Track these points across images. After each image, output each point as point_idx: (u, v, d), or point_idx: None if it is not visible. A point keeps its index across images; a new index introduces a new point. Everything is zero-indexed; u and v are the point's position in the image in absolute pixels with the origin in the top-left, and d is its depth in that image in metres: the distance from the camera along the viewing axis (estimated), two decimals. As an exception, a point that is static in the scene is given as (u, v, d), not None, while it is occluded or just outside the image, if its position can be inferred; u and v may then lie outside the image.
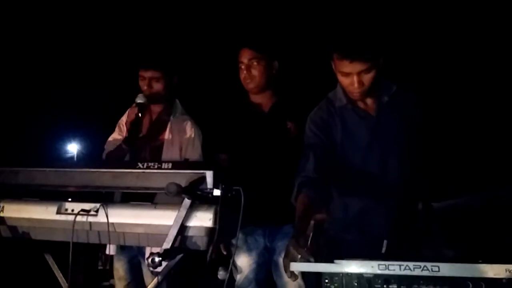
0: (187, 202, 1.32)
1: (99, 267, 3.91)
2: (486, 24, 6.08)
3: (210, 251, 1.34)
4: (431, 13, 6.53)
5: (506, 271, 1.01)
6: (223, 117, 2.26)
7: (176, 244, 1.32)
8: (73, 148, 17.63)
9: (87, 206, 1.44)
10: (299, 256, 1.18)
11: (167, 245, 1.29)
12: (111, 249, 2.22)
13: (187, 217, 1.33)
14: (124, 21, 8.45)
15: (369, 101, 1.71)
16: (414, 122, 1.70)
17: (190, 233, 1.35)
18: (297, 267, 1.16)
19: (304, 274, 1.84)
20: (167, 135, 2.26)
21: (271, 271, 2.10)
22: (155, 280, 1.45)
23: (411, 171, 1.69)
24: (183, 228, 1.34)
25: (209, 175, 1.33)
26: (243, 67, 2.12)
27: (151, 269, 1.30)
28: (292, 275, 1.21)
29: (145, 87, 2.24)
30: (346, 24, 1.64)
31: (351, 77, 1.57)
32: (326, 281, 1.12)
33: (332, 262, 1.12)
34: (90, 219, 1.43)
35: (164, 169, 1.38)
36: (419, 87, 1.81)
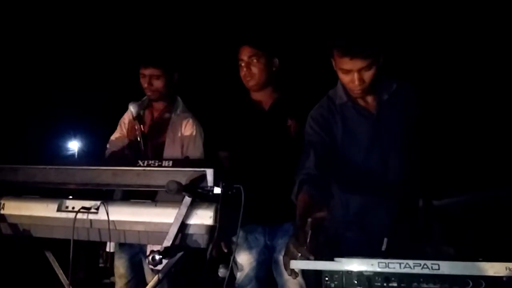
0: (187, 200, 1.32)
1: (100, 265, 3.92)
2: (486, 22, 6.07)
3: (210, 249, 1.34)
4: (432, 10, 6.52)
5: (506, 269, 1.01)
6: (223, 114, 2.26)
7: (177, 242, 1.32)
8: (74, 146, 17.67)
9: (87, 203, 1.44)
10: (299, 254, 1.18)
11: (167, 243, 1.29)
12: (111, 247, 2.23)
13: (187, 215, 1.33)
14: (123, 20, 8.45)
15: (369, 98, 1.70)
16: (415, 120, 1.70)
17: (191, 231, 1.34)
18: (297, 265, 1.16)
19: (305, 272, 1.84)
20: (168, 132, 2.26)
21: (271, 269, 2.10)
22: (156, 278, 1.45)
23: (412, 168, 1.68)
24: (183, 226, 1.33)
25: (209, 173, 1.33)
26: (243, 64, 2.12)
27: (151, 267, 1.30)
28: (293, 273, 1.21)
29: (146, 85, 2.24)
30: (346, 21, 1.64)
31: (352, 74, 1.57)
32: (326, 279, 1.11)
33: (332, 260, 1.12)
34: (91, 216, 1.42)
35: (165, 167, 1.37)
36: (419, 85, 1.81)
